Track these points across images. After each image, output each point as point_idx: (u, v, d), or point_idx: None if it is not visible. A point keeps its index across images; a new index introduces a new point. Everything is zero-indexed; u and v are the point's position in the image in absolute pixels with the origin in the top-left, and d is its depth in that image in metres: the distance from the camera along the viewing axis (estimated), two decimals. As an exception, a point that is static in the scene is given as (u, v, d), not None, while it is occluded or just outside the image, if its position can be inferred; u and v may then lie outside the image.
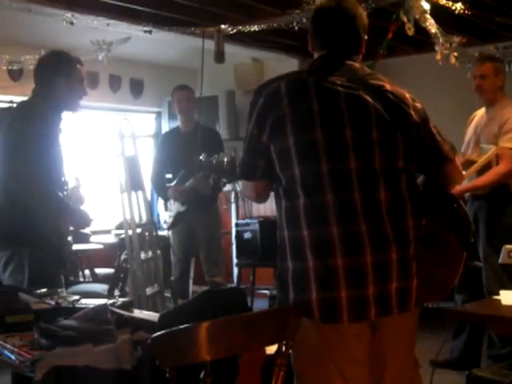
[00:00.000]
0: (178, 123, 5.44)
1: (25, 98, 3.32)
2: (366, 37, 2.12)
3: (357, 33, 2.09)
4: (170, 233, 5.39)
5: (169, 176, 5.21)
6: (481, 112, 4.21)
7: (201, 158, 2.75)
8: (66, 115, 3.27)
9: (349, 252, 1.89)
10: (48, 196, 3.06)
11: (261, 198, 2.15)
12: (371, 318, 1.92)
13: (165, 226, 5.43)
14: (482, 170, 3.96)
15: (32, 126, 3.03)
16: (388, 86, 2.03)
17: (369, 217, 1.91)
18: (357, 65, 2.07)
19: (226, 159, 2.60)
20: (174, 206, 5.21)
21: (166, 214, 5.34)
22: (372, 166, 1.94)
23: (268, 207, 6.82)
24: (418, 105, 2.06)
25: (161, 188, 5.28)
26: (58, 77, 3.19)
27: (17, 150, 3.02)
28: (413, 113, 2.02)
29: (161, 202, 5.42)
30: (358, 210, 1.90)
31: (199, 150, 4.81)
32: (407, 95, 2.06)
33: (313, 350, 1.95)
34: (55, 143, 3.12)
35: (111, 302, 2.58)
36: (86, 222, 3.27)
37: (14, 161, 3.01)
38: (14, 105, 5.72)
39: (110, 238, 5.84)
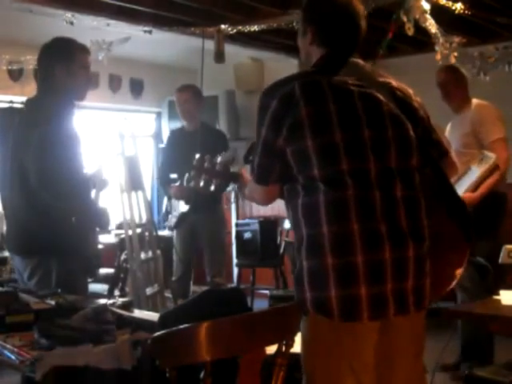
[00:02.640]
0: (182, 123, 5.42)
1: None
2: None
3: (360, 33, 2.08)
4: (174, 233, 5.39)
5: (174, 176, 5.20)
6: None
7: (195, 157, 2.71)
8: (75, 107, 3.08)
9: (369, 249, 1.88)
10: (74, 198, 2.96)
11: (270, 202, 2.14)
12: (390, 315, 1.92)
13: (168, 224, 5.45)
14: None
15: (45, 127, 2.88)
16: (394, 83, 2.06)
17: (387, 214, 1.91)
18: (361, 62, 2.09)
19: (219, 160, 2.58)
20: (179, 206, 5.22)
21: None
22: (389, 166, 1.95)
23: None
24: (419, 100, 2.11)
25: (167, 186, 5.28)
26: (57, 64, 3.01)
27: (41, 153, 2.86)
28: (418, 108, 2.07)
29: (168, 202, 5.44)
30: (378, 207, 1.91)
31: (204, 149, 4.80)
32: (410, 91, 2.10)
33: (327, 349, 1.94)
34: (74, 139, 2.96)
35: (111, 301, 2.58)
36: (107, 222, 3.20)
37: (40, 165, 2.86)
38: (14, 105, 5.73)
39: (110, 238, 5.84)
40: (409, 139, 2.00)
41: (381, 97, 1.99)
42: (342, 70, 2.02)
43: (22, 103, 5.01)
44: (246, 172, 2.33)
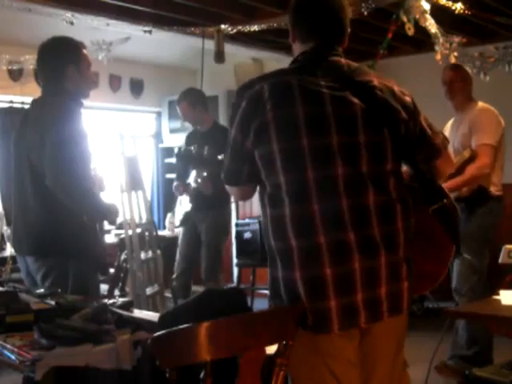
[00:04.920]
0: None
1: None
2: (349, 29, 2.06)
3: (342, 24, 2.03)
4: (181, 230, 5.44)
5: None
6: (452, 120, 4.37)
7: (180, 148, 2.72)
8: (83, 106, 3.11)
9: (337, 261, 1.85)
10: (88, 197, 2.97)
11: (245, 200, 2.13)
12: (361, 324, 1.90)
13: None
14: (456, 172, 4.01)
15: (58, 127, 2.88)
16: (375, 82, 1.95)
17: (357, 223, 1.87)
18: (342, 61, 2.00)
19: (206, 149, 2.60)
20: (185, 204, 5.27)
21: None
22: (359, 171, 1.88)
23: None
24: (407, 98, 2.00)
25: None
26: (68, 65, 3.02)
27: (57, 153, 2.86)
28: (401, 109, 1.95)
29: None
30: (346, 217, 1.86)
31: (215, 147, 4.82)
32: (395, 88, 1.99)
33: (305, 356, 1.93)
34: (85, 138, 2.97)
35: (111, 302, 2.58)
36: (116, 217, 3.21)
37: (57, 165, 2.86)
38: (14, 105, 5.73)
39: (110, 238, 5.85)
40: (383, 144, 1.92)
41: (355, 100, 1.90)
42: (320, 69, 1.95)
43: (22, 103, 5.01)
44: None
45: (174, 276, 5.38)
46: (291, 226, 1.87)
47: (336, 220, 1.86)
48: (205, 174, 4.75)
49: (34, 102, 3.15)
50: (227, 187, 2.12)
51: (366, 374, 2.00)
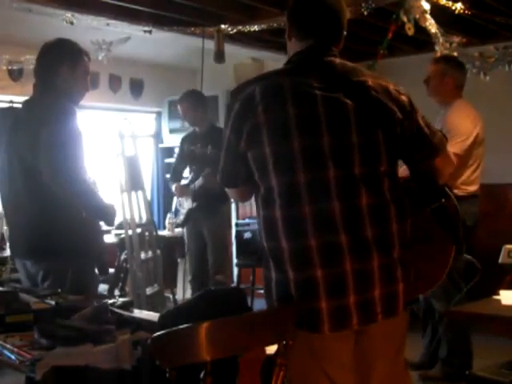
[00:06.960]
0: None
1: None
2: (346, 31, 2.06)
3: (340, 25, 2.04)
4: (184, 230, 5.46)
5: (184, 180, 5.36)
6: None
7: (183, 149, 2.74)
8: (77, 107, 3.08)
9: (328, 263, 1.86)
10: (87, 193, 2.95)
11: (245, 201, 2.13)
12: (353, 326, 1.90)
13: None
14: None
15: (53, 127, 2.87)
16: (370, 81, 1.94)
17: (349, 226, 1.86)
18: (337, 61, 1.99)
19: (209, 148, 2.59)
20: (187, 204, 5.29)
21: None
22: (352, 172, 1.88)
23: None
24: (403, 97, 1.98)
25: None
26: (63, 64, 3.02)
27: (54, 152, 2.85)
28: (396, 109, 1.93)
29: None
30: (337, 219, 1.86)
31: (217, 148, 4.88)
32: (391, 87, 1.97)
33: (300, 357, 1.93)
34: (80, 138, 2.96)
35: (111, 301, 2.58)
36: (113, 218, 3.19)
37: (54, 165, 2.84)
38: (14, 105, 5.73)
39: (110, 238, 5.85)
40: (377, 145, 1.91)
41: (348, 101, 1.89)
42: (313, 70, 1.95)
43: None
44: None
45: (190, 278, 5.43)
46: (282, 227, 1.88)
47: (327, 222, 1.86)
48: (206, 171, 4.82)
49: (26, 102, 3.14)
50: (227, 190, 2.12)
51: (362, 376, 1.99)
